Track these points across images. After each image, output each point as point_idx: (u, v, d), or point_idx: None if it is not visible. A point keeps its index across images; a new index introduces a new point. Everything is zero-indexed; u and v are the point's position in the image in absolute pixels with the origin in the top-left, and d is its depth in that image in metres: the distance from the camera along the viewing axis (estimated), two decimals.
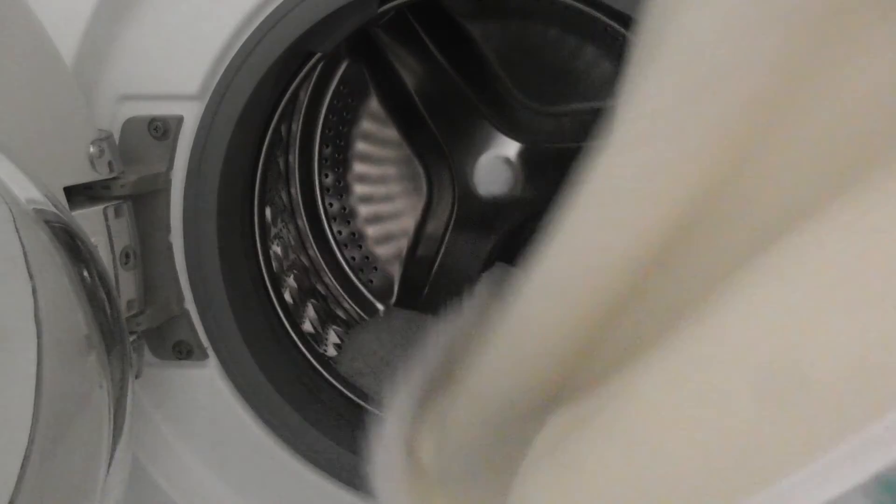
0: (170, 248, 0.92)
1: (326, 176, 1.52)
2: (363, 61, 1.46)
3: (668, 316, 0.43)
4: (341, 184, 1.53)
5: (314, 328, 1.36)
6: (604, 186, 0.48)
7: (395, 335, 1.35)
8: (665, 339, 0.41)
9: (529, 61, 1.40)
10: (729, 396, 0.37)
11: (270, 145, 1.08)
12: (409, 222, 1.54)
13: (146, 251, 0.91)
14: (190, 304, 0.94)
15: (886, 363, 0.35)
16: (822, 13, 0.39)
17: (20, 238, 0.55)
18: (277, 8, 0.86)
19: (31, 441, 0.51)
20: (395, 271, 1.55)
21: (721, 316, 0.39)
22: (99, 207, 0.82)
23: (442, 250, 1.50)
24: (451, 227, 1.49)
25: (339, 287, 1.53)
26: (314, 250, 1.52)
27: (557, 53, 1.39)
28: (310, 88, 1.47)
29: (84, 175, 0.81)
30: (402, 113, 1.47)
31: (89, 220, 0.80)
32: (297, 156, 1.50)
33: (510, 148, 1.42)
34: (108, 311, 0.65)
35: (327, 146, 1.51)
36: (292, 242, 1.47)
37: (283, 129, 1.46)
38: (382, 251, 1.55)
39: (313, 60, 1.04)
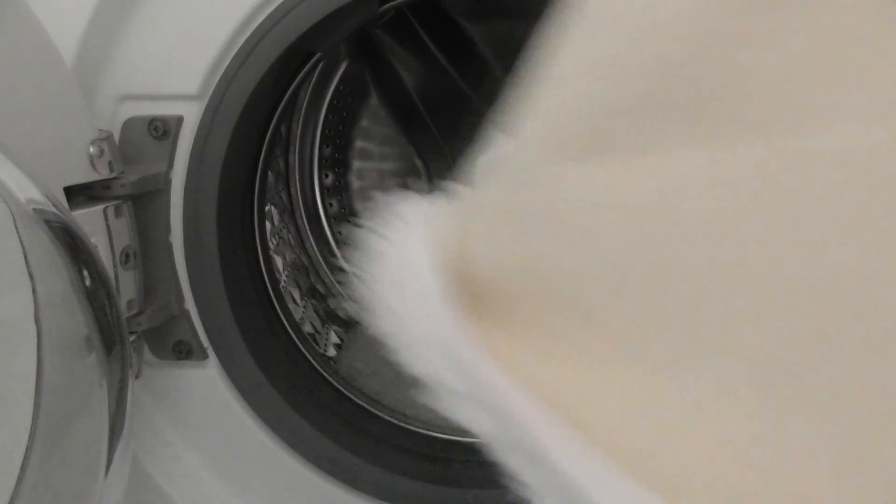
0: (170, 248, 0.92)
1: (326, 176, 1.52)
2: (363, 61, 1.46)
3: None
4: (341, 183, 1.53)
5: (314, 328, 1.36)
6: None
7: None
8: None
9: (529, 61, 1.40)
10: None
11: (270, 145, 1.08)
12: None
13: (146, 251, 0.91)
14: (190, 304, 0.94)
15: None
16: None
17: (20, 238, 0.55)
18: (277, 8, 0.86)
19: (31, 441, 0.51)
20: None
21: None
22: (99, 207, 0.82)
23: None
24: None
25: (339, 287, 1.53)
26: (314, 250, 1.52)
27: None
28: (310, 88, 1.47)
29: (84, 175, 0.81)
30: (402, 113, 1.47)
31: (89, 220, 0.80)
32: (297, 156, 1.50)
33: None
34: (108, 311, 0.65)
35: (327, 146, 1.51)
36: (292, 242, 1.47)
37: (283, 129, 1.46)
38: None
39: (313, 60, 1.04)
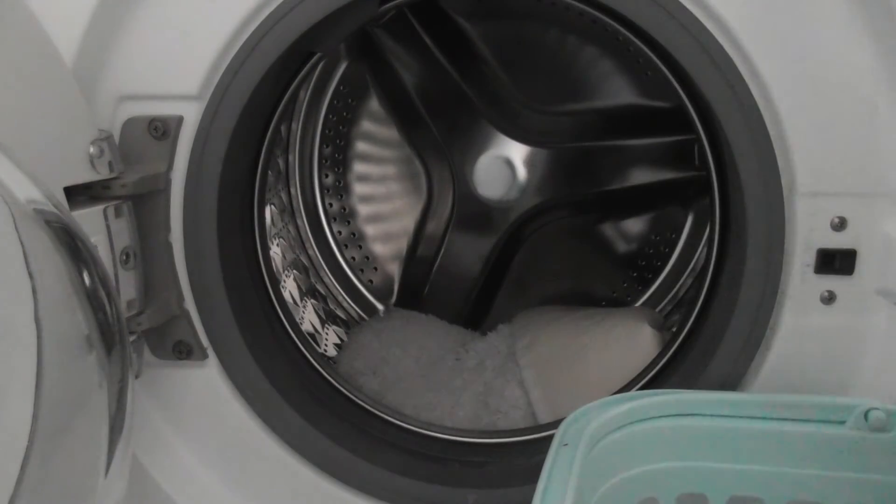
0: (170, 248, 0.92)
1: (326, 176, 1.52)
2: (363, 61, 1.46)
3: None
4: (341, 184, 1.53)
5: (314, 328, 1.36)
6: None
7: (395, 335, 1.36)
8: None
9: (529, 61, 1.40)
10: None
11: (270, 145, 1.08)
12: (409, 222, 1.54)
13: (146, 251, 0.91)
14: (190, 304, 0.94)
15: None
16: None
17: (20, 238, 0.55)
18: (277, 8, 0.86)
19: (31, 441, 0.51)
20: (395, 271, 1.55)
21: None
22: (99, 207, 0.82)
23: (442, 250, 1.50)
24: (451, 227, 1.49)
25: (338, 287, 1.53)
26: (314, 250, 1.52)
27: (558, 53, 1.39)
28: (310, 88, 1.47)
29: (84, 175, 0.81)
30: (402, 113, 1.47)
31: (89, 220, 0.80)
32: (297, 156, 1.50)
33: (510, 148, 1.42)
34: (109, 311, 0.65)
35: (327, 146, 1.51)
36: (292, 242, 1.47)
37: (283, 129, 1.46)
38: (382, 251, 1.55)
39: (313, 60, 1.04)
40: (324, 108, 1.48)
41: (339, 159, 1.51)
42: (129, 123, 0.89)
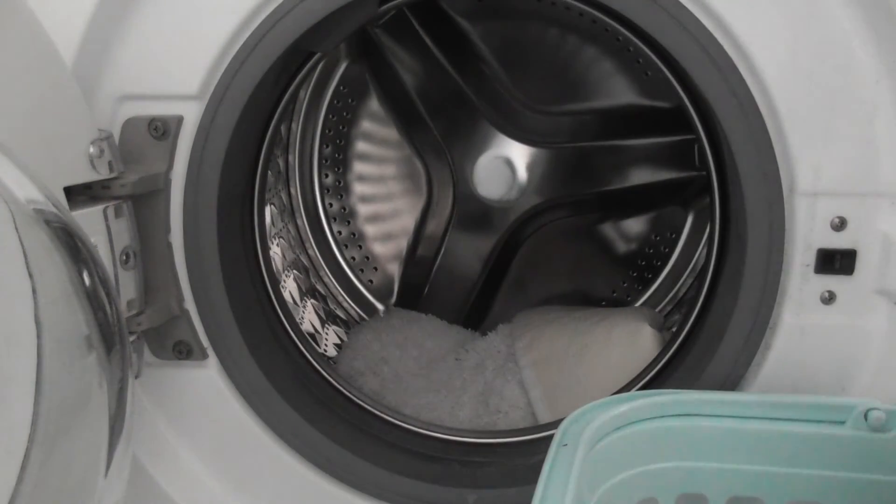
0: (170, 248, 0.92)
1: (326, 176, 1.52)
2: (363, 61, 1.46)
3: None
4: (341, 183, 1.53)
5: (314, 328, 1.36)
6: None
7: (395, 335, 1.36)
8: None
9: (529, 61, 1.40)
10: None
11: (270, 145, 1.08)
12: (409, 222, 1.54)
13: (146, 251, 0.90)
14: (190, 304, 0.94)
15: None
16: None
17: (20, 238, 0.55)
18: (277, 8, 0.86)
19: (31, 441, 0.51)
20: (395, 271, 1.55)
21: None
22: (99, 207, 0.82)
23: (442, 250, 1.50)
24: (450, 227, 1.49)
25: (338, 287, 1.53)
26: (314, 250, 1.52)
27: (557, 53, 1.39)
28: (310, 88, 1.47)
29: (84, 175, 0.81)
30: (402, 113, 1.47)
31: (89, 220, 0.80)
32: (297, 156, 1.50)
33: (510, 148, 1.42)
34: (109, 312, 0.65)
35: (327, 146, 1.51)
36: (292, 242, 1.47)
37: (283, 128, 1.46)
38: (382, 251, 1.55)
39: (313, 60, 1.04)
40: (324, 108, 1.48)
41: (339, 159, 1.51)
42: (129, 123, 0.89)
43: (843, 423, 0.79)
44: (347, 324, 1.48)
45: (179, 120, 0.89)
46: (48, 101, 0.77)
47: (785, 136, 0.82)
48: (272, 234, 1.36)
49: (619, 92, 1.38)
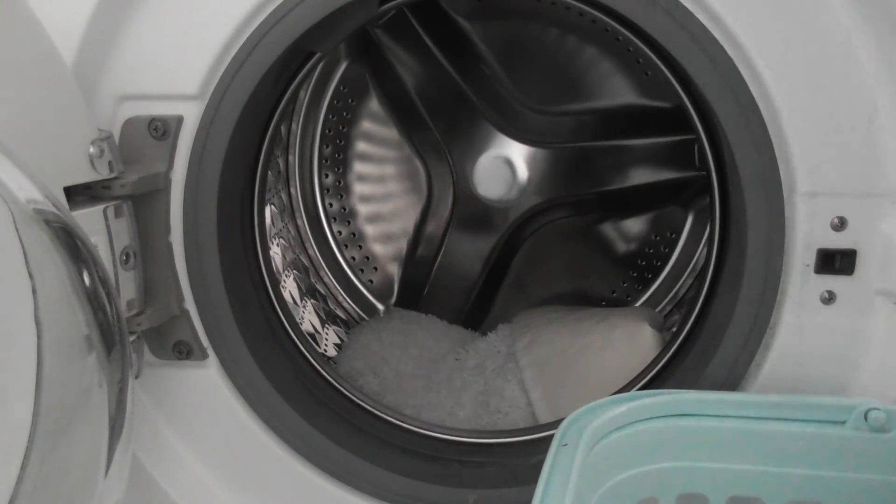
0: (170, 248, 0.92)
1: (326, 176, 1.52)
2: (363, 61, 1.46)
3: None
4: (341, 184, 1.53)
5: (314, 328, 1.36)
6: None
7: (395, 335, 1.36)
8: None
9: (529, 61, 1.41)
10: None
11: (270, 145, 1.08)
12: (409, 222, 1.54)
13: (146, 251, 0.91)
14: (190, 304, 0.94)
15: None
16: None
17: (20, 238, 0.55)
18: (277, 8, 0.86)
19: (31, 441, 0.51)
20: (395, 271, 1.55)
21: None
22: (99, 207, 0.82)
23: (442, 250, 1.50)
24: (450, 227, 1.49)
25: (339, 287, 1.53)
26: (314, 250, 1.52)
27: (557, 53, 1.39)
28: (310, 88, 1.47)
29: (84, 175, 0.81)
30: (402, 113, 1.47)
31: (89, 220, 0.80)
32: (297, 156, 1.50)
33: (510, 148, 1.42)
34: (109, 311, 0.65)
35: (327, 146, 1.51)
36: (292, 242, 1.47)
37: (283, 129, 1.46)
38: (382, 251, 1.55)
39: (313, 60, 1.04)
40: (324, 108, 1.48)
41: (339, 159, 1.51)
42: (129, 123, 0.89)
43: (843, 423, 0.78)
44: (347, 324, 1.48)
45: (179, 120, 0.89)
46: (48, 101, 0.77)
47: (785, 136, 0.82)
48: (272, 234, 1.36)
49: (620, 92, 1.38)
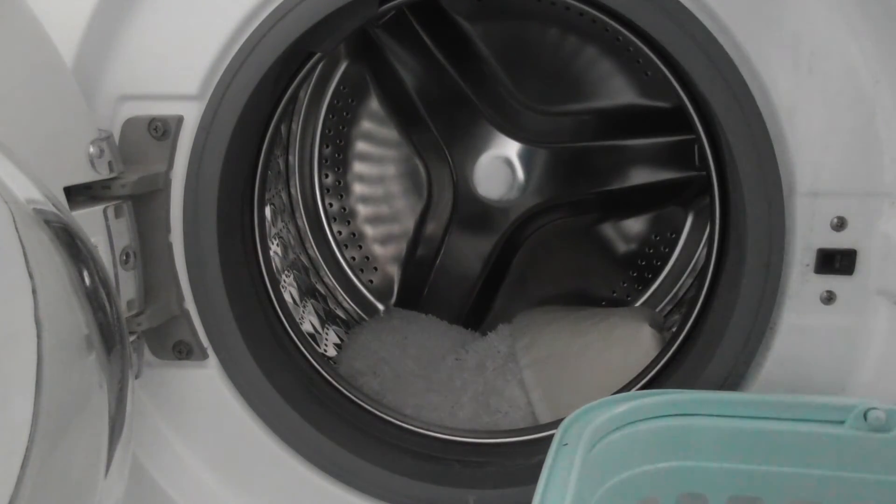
0: (170, 248, 0.92)
1: (326, 176, 1.52)
2: (363, 61, 1.46)
3: None
4: (341, 184, 1.53)
5: (314, 328, 1.36)
6: None
7: (395, 335, 1.35)
8: None
9: (529, 61, 1.41)
10: None
11: (270, 145, 1.08)
12: (409, 222, 1.54)
13: (146, 251, 0.91)
14: (190, 304, 0.94)
15: None
16: None
17: (20, 238, 0.55)
18: (277, 8, 0.86)
19: (31, 441, 0.51)
20: (395, 271, 1.55)
21: None
22: (99, 207, 0.82)
23: (442, 250, 1.50)
24: (450, 228, 1.49)
25: (339, 287, 1.53)
26: (314, 250, 1.52)
27: (557, 53, 1.39)
28: (310, 88, 1.47)
29: (84, 175, 0.81)
30: (402, 113, 1.47)
31: (89, 220, 0.80)
32: (297, 156, 1.50)
33: (510, 148, 1.42)
34: (109, 312, 0.65)
35: (327, 146, 1.51)
36: (292, 242, 1.47)
37: (283, 128, 1.46)
38: (382, 251, 1.55)
39: (313, 60, 1.04)
40: (324, 108, 1.48)
41: (339, 159, 1.51)
42: (129, 123, 0.89)
43: (843, 423, 0.78)
44: (347, 324, 1.48)
45: (179, 120, 0.89)
46: (48, 101, 0.77)
47: (785, 136, 0.82)
48: (272, 234, 1.36)
49: (619, 92, 1.38)
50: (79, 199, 0.81)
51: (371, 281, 1.55)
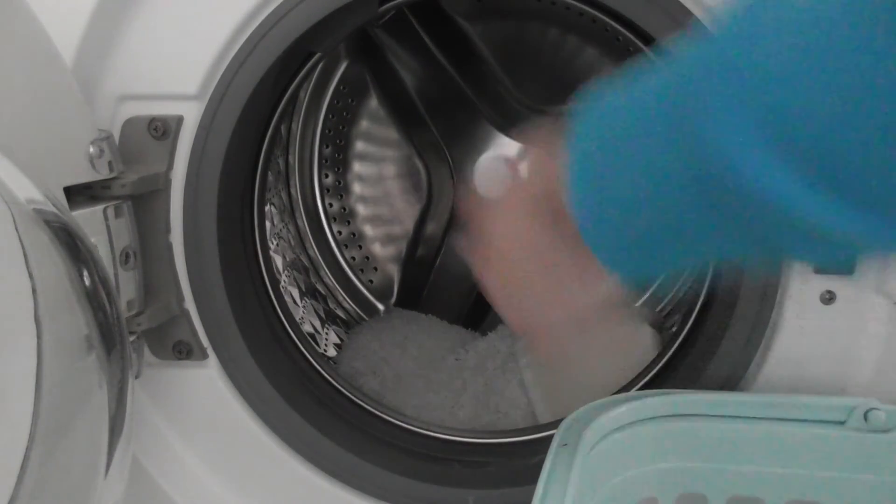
0: (170, 248, 0.92)
1: (326, 176, 1.52)
2: (363, 61, 1.46)
3: None
4: (341, 184, 1.53)
5: (314, 328, 1.36)
6: None
7: (395, 335, 1.35)
8: None
9: (529, 61, 1.40)
10: None
11: (270, 145, 1.08)
12: (409, 222, 1.54)
13: (146, 251, 0.91)
14: (190, 304, 0.94)
15: None
16: None
17: (20, 238, 0.55)
18: (277, 8, 0.86)
19: (31, 441, 0.51)
20: (395, 271, 1.55)
21: None
22: (99, 207, 0.82)
23: (442, 250, 1.50)
24: (450, 227, 1.49)
25: (339, 287, 1.53)
26: (314, 250, 1.52)
27: (557, 53, 1.39)
28: (310, 88, 1.47)
29: (84, 175, 0.81)
30: (402, 113, 1.47)
31: (89, 220, 0.80)
32: (296, 156, 1.50)
33: (510, 148, 1.42)
34: (108, 311, 0.65)
35: (327, 146, 1.51)
36: (292, 242, 1.47)
37: (283, 128, 1.46)
38: (382, 251, 1.55)
39: (313, 60, 1.04)
40: (324, 108, 1.48)
41: (339, 159, 1.51)
42: (129, 123, 0.89)
43: (843, 423, 0.79)
44: (347, 324, 1.48)
45: (179, 120, 0.89)
46: (48, 101, 0.77)
47: None
48: (272, 234, 1.36)
49: None
50: (79, 199, 0.81)
51: (371, 281, 1.55)
